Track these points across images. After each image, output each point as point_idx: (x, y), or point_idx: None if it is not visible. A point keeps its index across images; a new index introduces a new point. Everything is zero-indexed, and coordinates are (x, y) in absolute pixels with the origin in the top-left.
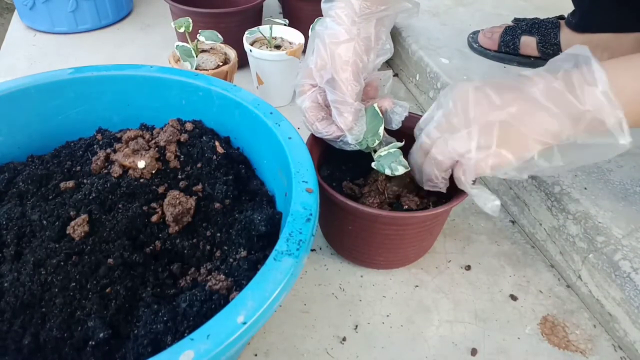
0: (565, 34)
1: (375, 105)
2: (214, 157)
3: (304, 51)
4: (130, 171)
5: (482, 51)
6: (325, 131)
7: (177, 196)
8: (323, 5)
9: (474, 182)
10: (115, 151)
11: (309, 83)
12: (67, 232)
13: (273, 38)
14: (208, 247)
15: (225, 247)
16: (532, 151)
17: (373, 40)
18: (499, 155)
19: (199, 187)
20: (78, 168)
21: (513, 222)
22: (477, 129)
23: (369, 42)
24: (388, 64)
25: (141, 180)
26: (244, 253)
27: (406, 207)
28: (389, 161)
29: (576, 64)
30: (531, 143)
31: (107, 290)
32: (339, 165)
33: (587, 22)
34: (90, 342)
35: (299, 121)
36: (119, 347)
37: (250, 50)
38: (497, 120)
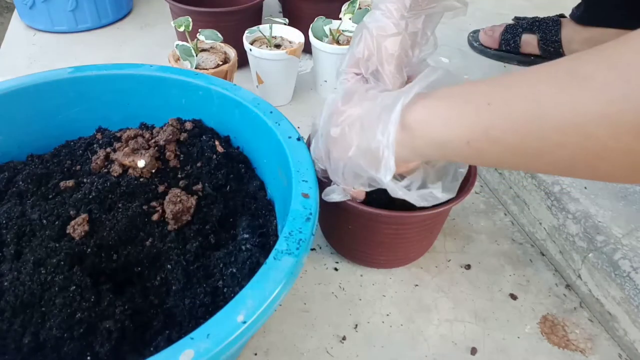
0: (567, 32)
1: None
2: (214, 156)
3: (303, 50)
4: (130, 170)
5: (483, 50)
6: None
7: (178, 194)
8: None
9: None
10: (115, 150)
11: (354, 71)
12: (67, 231)
13: (273, 37)
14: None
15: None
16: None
17: (420, 36)
18: (337, 189)
19: (199, 186)
20: (78, 167)
21: (513, 221)
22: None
23: (415, 37)
24: None
25: (141, 179)
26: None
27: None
28: None
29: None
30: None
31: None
32: None
33: (592, 15)
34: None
35: (299, 120)
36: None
37: (250, 50)
38: (329, 139)
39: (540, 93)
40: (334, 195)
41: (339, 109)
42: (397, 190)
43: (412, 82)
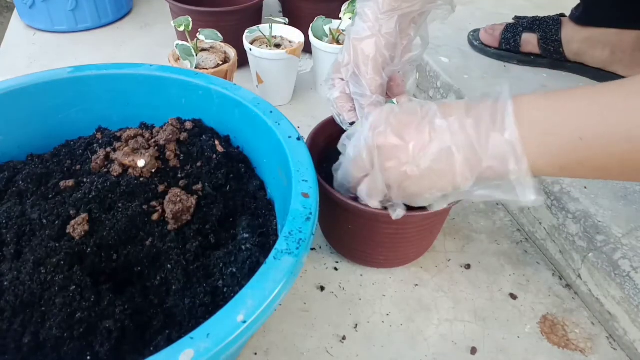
0: (567, 31)
1: (395, 100)
2: (214, 156)
3: (303, 50)
4: (130, 170)
5: (483, 49)
6: (351, 122)
7: (179, 194)
8: (357, 4)
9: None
10: (115, 150)
11: (338, 77)
12: (67, 231)
13: (273, 37)
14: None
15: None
16: (430, 199)
17: (396, 36)
18: (400, 204)
19: (199, 186)
20: (78, 167)
21: (513, 221)
22: (379, 181)
23: (390, 38)
24: None
25: (141, 179)
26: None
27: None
28: None
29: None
30: (429, 195)
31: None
32: None
33: (591, 16)
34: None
35: (299, 120)
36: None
37: (250, 49)
38: (399, 177)
39: (635, 126)
40: (400, 211)
41: (393, 144)
42: (537, 202)
43: (495, 99)
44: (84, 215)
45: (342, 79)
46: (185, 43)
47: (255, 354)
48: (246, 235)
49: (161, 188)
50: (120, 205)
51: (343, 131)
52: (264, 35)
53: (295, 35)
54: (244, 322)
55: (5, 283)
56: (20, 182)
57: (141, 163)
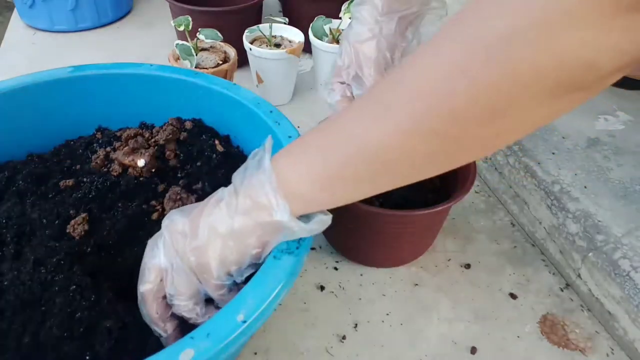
0: None
1: None
2: (214, 155)
3: (303, 50)
4: (130, 169)
5: None
6: None
7: (178, 192)
8: (352, 9)
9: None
10: (114, 150)
11: (338, 81)
12: (67, 230)
13: (273, 36)
14: None
15: None
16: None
17: (397, 38)
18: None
19: (199, 185)
20: (78, 166)
21: (513, 220)
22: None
23: (391, 40)
24: None
25: (141, 178)
26: None
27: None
28: None
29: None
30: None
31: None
32: None
33: None
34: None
35: (299, 120)
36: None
37: (250, 49)
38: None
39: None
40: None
41: (182, 227)
42: (302, 231)
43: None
44: (83, 215)
45: (342, 83)
46: (185, 43)
47: (255, 353)
48: None
49: (161, 188)
50: (120, 204)
51: None
52: (264, 35)
53: (295, 35)
54: (244, 321)
55: (5, 283)
56: (20, 182)
57: (141, 163)
